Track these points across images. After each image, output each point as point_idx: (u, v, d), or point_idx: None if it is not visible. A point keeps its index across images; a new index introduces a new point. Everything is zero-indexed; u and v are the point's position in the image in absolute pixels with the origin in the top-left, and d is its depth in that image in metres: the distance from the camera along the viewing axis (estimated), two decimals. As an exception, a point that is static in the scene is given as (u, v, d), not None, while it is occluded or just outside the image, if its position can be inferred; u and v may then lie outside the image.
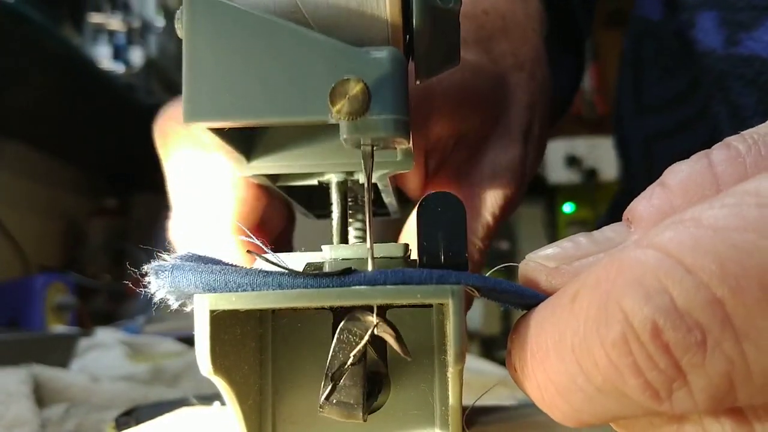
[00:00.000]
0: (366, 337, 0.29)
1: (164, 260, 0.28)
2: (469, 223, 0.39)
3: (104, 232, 1.79)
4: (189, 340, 1.00)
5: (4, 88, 1.32)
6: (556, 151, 2.12)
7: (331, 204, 0.38)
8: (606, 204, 1.97)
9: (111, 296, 1.68)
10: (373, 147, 0.29)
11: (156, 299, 0.28)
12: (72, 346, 0.85)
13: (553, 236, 2.23)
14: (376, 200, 0.43)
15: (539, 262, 0.28)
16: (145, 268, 0.28)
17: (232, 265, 0.29)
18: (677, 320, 0.20)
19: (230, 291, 0.27)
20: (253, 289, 0.27)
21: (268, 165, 0.35)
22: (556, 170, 2.11)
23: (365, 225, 0.38)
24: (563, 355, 0.23)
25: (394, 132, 0.27)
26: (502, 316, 2.01)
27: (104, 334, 1.05)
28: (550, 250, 0.28)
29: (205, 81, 0.28)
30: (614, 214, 0.83)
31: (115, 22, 1.63)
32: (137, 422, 0.44)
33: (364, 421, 0.29)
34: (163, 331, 1.16)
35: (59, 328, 1.27)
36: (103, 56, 1.61)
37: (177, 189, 0.44)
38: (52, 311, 1.31)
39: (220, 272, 0.27)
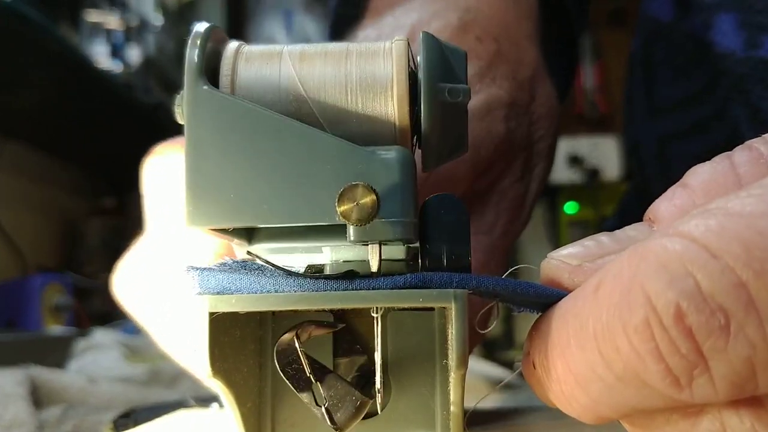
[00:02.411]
0: (298, 351, 0.29)
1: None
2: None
3: (102, 232, 1.79)
4: (187, 341, 0.99)
5: (1, 88, 1.31)
6: (558, 150, 2.11)
7: None
8: (608, 204, 1.97)
9: (109, 297, 1.67)
10: (380, 245, 0.28)
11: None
12: (69, 346, 0.85)
13: (554, 236, 2.23)
14: None
15: (561, 260, 0.27)
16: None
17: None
18: (701, 304, 0.20)
19: (257, 292, 0.27)
20: (277, 291, 0.27)
21: (270, 248, 0.34)
22: (558, 170, 2.10)
23: None
24: (584, 343, 0.23)
25: (402, 235, 0.27)
26: (503, 317, 2.01)
27: (102, 335, 1.04)
28: (572, 248, 0.28)
29: (208, 184, 0.27)
30: (623, 216, 0.83)
31: (112, 21, 1.63)
32: (135, 424, 0.43)
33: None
34: (162, 332, 1.15)
35: (56, 328, 1.26)
36: (101, 55, 1.60)
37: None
38: (50, 312, 1.31)
39: (248, 273, 0.27)
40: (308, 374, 0.29)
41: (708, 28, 0.53)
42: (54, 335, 1.03)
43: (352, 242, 0.27)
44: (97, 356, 0.90)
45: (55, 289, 1.34)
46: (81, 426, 0.54)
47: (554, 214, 2.24)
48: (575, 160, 2.08)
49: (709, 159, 0.27)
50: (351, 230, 0.27)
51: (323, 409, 0.29)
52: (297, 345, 0.29)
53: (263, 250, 0.33)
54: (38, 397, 0.59)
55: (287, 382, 0.29)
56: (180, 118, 0.28)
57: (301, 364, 0.29)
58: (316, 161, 0.27)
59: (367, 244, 0.28)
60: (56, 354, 0.81)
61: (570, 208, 2.16)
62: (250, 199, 0.27)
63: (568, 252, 0.28)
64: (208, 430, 0.39)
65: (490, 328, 0.30)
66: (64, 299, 1.35)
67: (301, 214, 0.27)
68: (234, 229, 0.31)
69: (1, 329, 1.15)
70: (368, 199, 0.26)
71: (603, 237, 0.28)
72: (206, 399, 0.47)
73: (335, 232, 0.29)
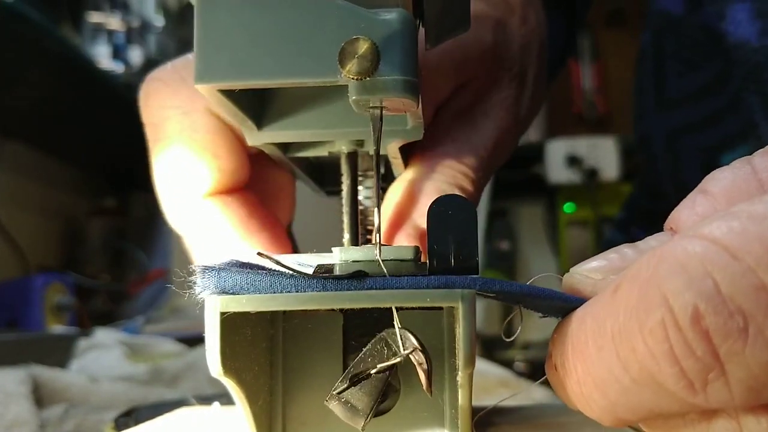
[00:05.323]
0: (399, 359, 0.29)
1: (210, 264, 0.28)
2: (461, 155, 0.39)
3: (103, 232, 1.79)
4: (188, 341, 0.99)
5: (2, 88, 1.31)
6: (557, 151, 2.11)
7: (341, 175, 0.38)
8: (606, 204, 1.97)
9: (110, 296, 1.68)
10: (381, 110, 0.29)
11: (201, 299, 0.28)
12: (71, 346, 0.85)
13: (553, 236, 2.22)
14: (387, 174, 0.43)
15: (585, 274, 0.27)
16: (192, 268, 0.28)
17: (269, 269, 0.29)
18: (720, 305, 0.20)
19: (275, 292, 0.27)
20: (297, 292, 0.27)
21: (278, 133, 0.35)
22: (557, 170, 2.10)
23: (374, 195, 0.38)
24: (602, 344, 0.23)
25: (403, 92, 0.27)
26: (502, 316, 2.01)
27: (103, 335, 1.04)
28: (595, 262, 0.27)
29: (216, 42, 0.28)
30: (630, 211, 0.82)
31: (114, 22, 1.63)
32: (136, 423, 0.43)
33: (362, 431, 0.29)
34: (163, 332, 1.16)
35: (58, 328, 1.26)
36: (102, 56, 1.61)
37: (158, 155, 0.42)
38: (51, 311, 1.31)
39: (265, 274, 0.27)
40: (380, 365, 0.29)
41: (721, 18, 0.53)
42: (56, 335, 1.03)
43: (353, 102, 0.28)
44: (99, 356, 0.90)
45: (57, 288, 1.34)
46: (82, 425, 0.54)
47: (553, 214, 2.24)
48: (574, 161, 2.07)
49: (719, 151, 0.27)
50: (352, 87, 0.27)
51: (349, 383, 0.29)
52: (409, 352, 0.29)
53: (270, 136, 0.34)
54: (40, 397, 0.59)
55: (369, 344, 0.29)
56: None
57: (390, 356, 0.29)
58: (319, 21, 0.28)
59: (370, 119, 0.28)
60: (58, 353, 0.81)
61: (569, 208, 2.16)
62: (255, 57, 0.28)
63: (591, 266, 0.27)
64: (209, 428, 0.39)
65: (515, 336, 0.31)
66: (65, 299, 1.35)
67: (304, 70, 0.28)
68: (242, 104, 0.31)
69: (3, 329, 1.15)
70: (367, 51, 0.26)
71: (626, 249, 0.27)
72: (207, 397, 0.47)
73: (340, 112, 0.29)
